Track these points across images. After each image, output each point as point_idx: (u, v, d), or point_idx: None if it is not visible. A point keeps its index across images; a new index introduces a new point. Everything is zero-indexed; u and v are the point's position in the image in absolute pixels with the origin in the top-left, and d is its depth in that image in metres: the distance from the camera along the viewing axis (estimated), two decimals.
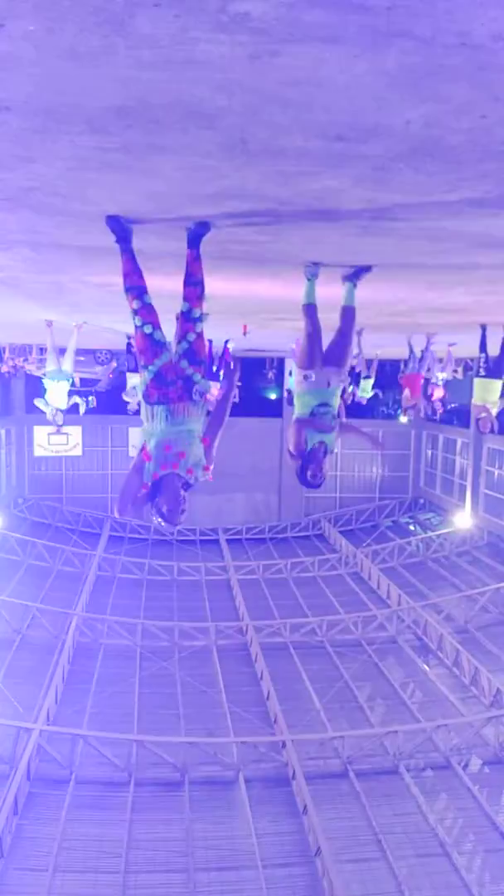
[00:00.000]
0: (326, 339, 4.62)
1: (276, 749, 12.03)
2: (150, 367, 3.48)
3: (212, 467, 3.52)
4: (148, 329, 3.50)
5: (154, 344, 3.50)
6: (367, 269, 4.69)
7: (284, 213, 3.56)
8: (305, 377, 4.53)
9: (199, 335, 3.60)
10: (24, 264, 5.40)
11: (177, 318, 3.62)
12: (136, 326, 3.53)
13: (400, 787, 11.25)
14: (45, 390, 9.76)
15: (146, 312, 3.51)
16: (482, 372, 8.86)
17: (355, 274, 4.68)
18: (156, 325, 3.52)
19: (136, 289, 3.52)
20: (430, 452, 28.54)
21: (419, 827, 10.27)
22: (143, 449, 3.46)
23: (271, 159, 2.71)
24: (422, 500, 28.24)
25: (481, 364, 8.87)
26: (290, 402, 17.55)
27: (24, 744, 11.16)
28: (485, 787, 11.27)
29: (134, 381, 10.44)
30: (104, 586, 20.05)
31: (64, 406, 9.78)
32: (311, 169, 2.83)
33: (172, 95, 2.14)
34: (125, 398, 11.66)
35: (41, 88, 2.11)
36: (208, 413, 3.68)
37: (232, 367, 3.89)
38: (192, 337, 3.55)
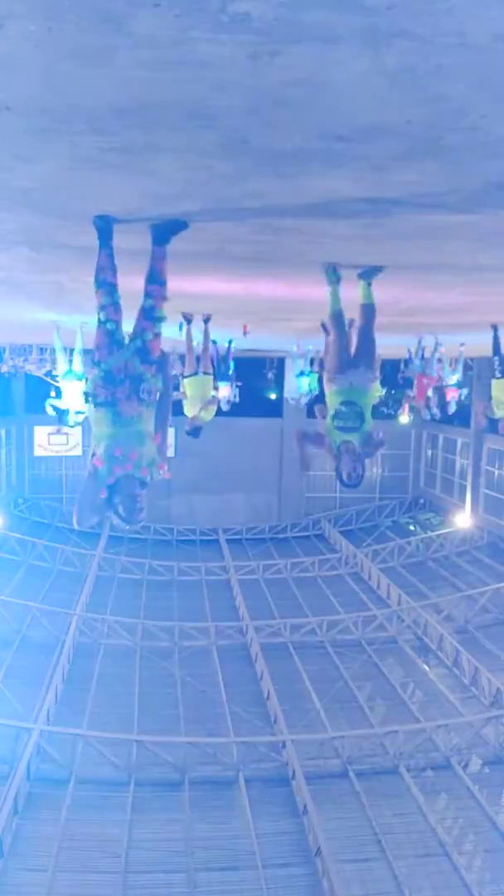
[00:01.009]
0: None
1: (276, 749, 12.03)
2: (101, 365, 3.45)
3: (166, 465, 3.50)
4: (111, 326, 3.48)
5: (112, 342, 3.47)
6: (381, 268, 4.69)
7: (284, 212, 3.56)
8: (329, 380, 4.57)
9: (157, 335, 3.57)
10: (24, 264, 5.40)
11: (138, 313, 3.59)
12: (100, 321, 3.50)
13: (400, 787, 11.25)
14: (59, 392, 9.72)
15: (113, 310, 3.49)
16: (497, 373, 8.88)
17: (369, 272, 4.67)
18: (118, 324, 3.50)
19: (107, 285, 3.50)
20: (430, 452, 28.53)
21: (419, 827, 10.27)
22: (93, 455, 3.41)
23: (272, 159, 2.71)
24: (422, 500, 28.23)
25: (496, 366, 8.88)
26: (300, 404, 17.44)
27: (24, 744, 11.15)
28: (485, 787, 11.27)
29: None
30: (104, 586, 20.04)
31: (81, 407, 9.75)
32: (311, 169, 2.83)
33: (172, 95, 2.14)
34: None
35: (41, 88, 2.11)
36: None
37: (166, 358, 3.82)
38: (148, 336, 3.51)
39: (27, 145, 2.59)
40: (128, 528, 3.43)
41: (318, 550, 24.50)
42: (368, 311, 4.64)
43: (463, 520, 23.63)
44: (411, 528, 26.65)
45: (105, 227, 3.55)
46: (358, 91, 2.07)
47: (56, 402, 9.78)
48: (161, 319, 3.56)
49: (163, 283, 3.55)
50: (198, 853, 9.74)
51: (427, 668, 15.60)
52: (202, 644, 16.65)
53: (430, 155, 2.62)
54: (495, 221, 3.65)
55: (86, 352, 10.29)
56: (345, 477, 4.43)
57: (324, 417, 4.57)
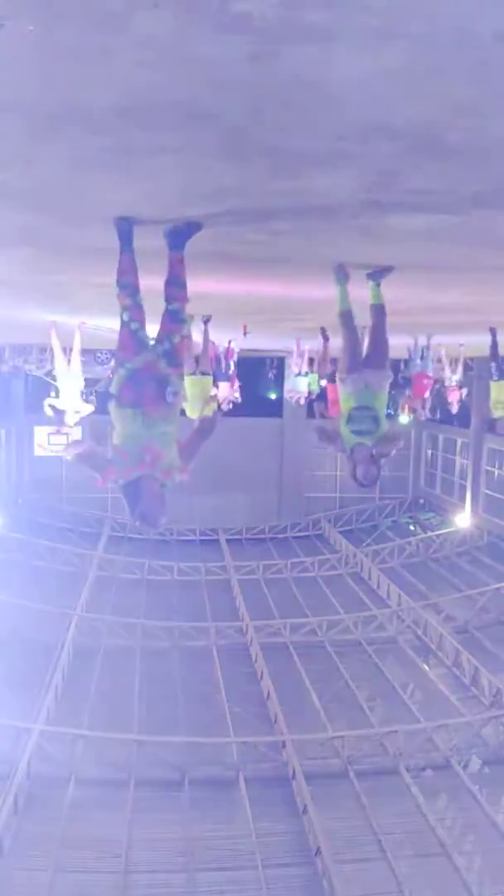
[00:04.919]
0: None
1: (276, 749, 12.03)
2: (127, 365, 3.45)
3: (189, 467, 3.48)
4: (135, 326, 3.49)
5: (137, 342, 3.49)
6: (390, 268, 4.71)
7: (284, 212, 3.56)
8: (342, 381, 4.56)
9: (184, 338, 3.59)
10: (24, 264, 5.40)
11: (162, 317, 3.60)
12: (123, 322, 3.51)
13: (400, 787, 11.24)
14: (56, 391, 9.72)
15: (136, 310, 3.50)
16: (494, 376, 8.92)
17: (379, 272, 4.68)
18: (142, 324, 3.50)
19: (129, 286, 3.51)
20: (430, 452, 28.54)
21: (419, 827, 10.26)
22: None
23: (271, 159, 2.71)
24: (422, 500, 28.23)
25: (494, 370, 8.92)
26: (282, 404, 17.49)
27: (24, 744, 11.16)
28: (485, 787, 11.28)
29: None
30: (104, 586, 20.04)
31: (79, 406, 9.76)
32: (312, 169, 2.83)
33: (172, 95, 2.14)
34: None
35: (41, 88, 2.11)
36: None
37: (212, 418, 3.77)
38: (176, 339, 3.53)
39: (27, 145, 2.59)
40: (150, 529, 3.40)
41: (318, 550, 24.49)
42: (379, 310, 4.66)
43: (463, 520, 23.62)
44: (411, 528, 26.65)
45: (126, 230, 3.56)
46: (358, 91, 2.07)
47: (54, 402, 9.77)
48: (186, 322, 3.57)
49: (183, 286, 3.56)
50: (198, 853, 9.73)
51: (427, 668, 15.59)
52: (202, 644, 16.64)
53: (430, 155, 2.62)
54: (495, 222, 3.65)
55: (84, 352, 10.29)
56: (360, 478, 4.44)
57: (322, 416, 4.57)
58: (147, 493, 3.30)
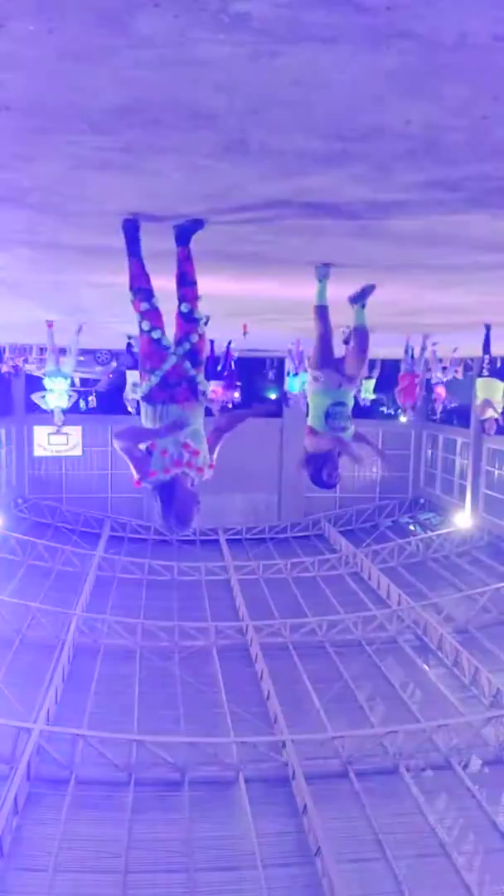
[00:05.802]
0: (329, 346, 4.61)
1: (276, 749, 12.03)
2: (156, 372, 3.44)
3: (214, 464, 3.50)
4: (156, 334, 3.47)
5: (160, 349, 3.47)
6: (371, 288, 4.69)
7: (284, 212, 3.56)
8: (316, 378, 4.52)
9: (202, 336, 3.59)
10: (24, 264, 5.40)
11: (177, 319, 3.60)
12: (143, 331, 3.49)
13: (400, 787, 11.25)
14: (45, 390, 9.75)
15: (153, 316, 3.48)
16: (485, 372, 8.88)
17: (361, 295, 4.67)
18: (162, 330, 3.50)
19: (143, 291, 3.49)
20: (430, 452, 28.54)
21: (419, 827, 10.27)
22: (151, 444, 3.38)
23: (271, 159, 2.71)
24: (422, 500, 28.24)
25: (485, 364, 8.88)
26: (288, 404, 17.56)
27: (24, 744, 11.16)
28: (485, 787, 11.27)
29: (134, 377, 10.37)
30: (104, 586, 20.06)
31: (65, 405, 9.80)
32: (312, 169, 2.83)
33: (172, 95, 2.14)
34: (127, 398, 11.35)
35: (41, 88, 2.11)
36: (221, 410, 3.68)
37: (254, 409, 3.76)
38: (194, 338, 3.53)
39: (27, 145, 2.59)
40: (181, 532, 3.39)
41: (318, 550, 24.50)
42: (362, 333, 4.64)
43: (463, 520, 23.63)
44: (411, 528, 26.66)
45: (133, 232, 3.54)
46: (358, 91, 2.07)
47: (39, 402, 9.81)
48: (201, 320, 3.57)
49: (194, 284, 3.56)
50: (198, 853, 9.74)
51: (427, 668, 15.60)
52: (202, 644, 16.65)
53: (430, 155, 2.62)
54: (495, 221, 3.65)
55: (83, 352, 10.30)
56: (325, 477, 4.43)
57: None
58: (183, 492, 3.30)
